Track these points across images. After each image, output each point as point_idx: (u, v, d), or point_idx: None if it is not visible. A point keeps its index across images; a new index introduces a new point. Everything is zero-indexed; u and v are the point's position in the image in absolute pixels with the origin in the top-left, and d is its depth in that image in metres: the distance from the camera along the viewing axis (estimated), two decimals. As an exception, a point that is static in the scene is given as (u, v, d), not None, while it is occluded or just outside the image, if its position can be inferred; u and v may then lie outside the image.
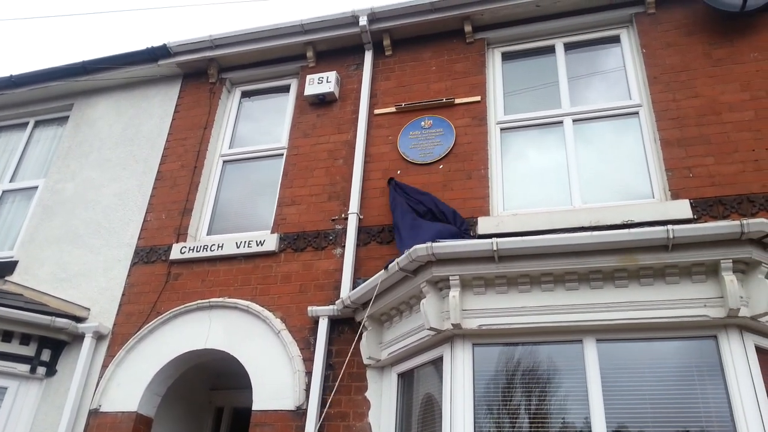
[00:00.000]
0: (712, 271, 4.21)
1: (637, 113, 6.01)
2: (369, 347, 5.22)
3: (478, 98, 6.43)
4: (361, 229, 6.04)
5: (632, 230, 4.28)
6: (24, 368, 6.10)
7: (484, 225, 5.64)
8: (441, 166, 6.15)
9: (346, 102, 6.91)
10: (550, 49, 6.71)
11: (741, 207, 5.11)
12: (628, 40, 6.44)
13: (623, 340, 4.36)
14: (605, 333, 4.37)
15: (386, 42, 7.04)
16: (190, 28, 35.90)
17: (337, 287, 5.76)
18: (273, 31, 7.27)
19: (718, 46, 5.93)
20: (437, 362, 4.77)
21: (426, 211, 5.67)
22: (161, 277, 6.44)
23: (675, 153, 5.53)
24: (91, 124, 7.98)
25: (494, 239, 4.51)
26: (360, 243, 5.97)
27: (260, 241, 6.23)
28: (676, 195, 5.34)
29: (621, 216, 5.29)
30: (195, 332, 5.96)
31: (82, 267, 6.81)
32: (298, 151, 6.78)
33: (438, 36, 6.97)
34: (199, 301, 6.09)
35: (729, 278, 4.08)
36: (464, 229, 5.56)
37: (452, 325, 4.51)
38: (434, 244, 4.58)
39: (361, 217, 6.11)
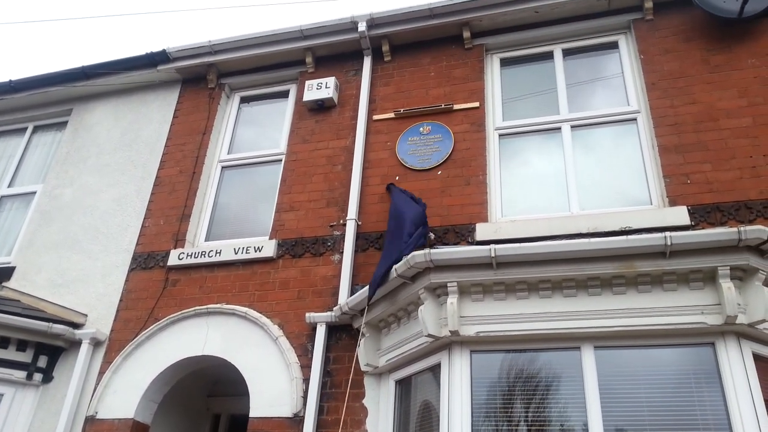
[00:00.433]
0: (709, 278, 4.20)
1: (635, 119, 6.02)
2: (367, 354, 5.21)
3: (476, 104, 6.44)
4: (359, 236, 6.04)
5: (630, 237, 4.27)
6: (20, 375, 6.08)
7: (482, 231, 5.64)
8: (439, 172, 6.15)
9: (345, 108, 6.92)
10: (549, 55, 6.72)
11: (739, 213, 5.11)
12: (626, 47, 6.45)
13: (621, 347, 4.35)
14: (603, 340, 4.36)
15: (385, 48, 7.05)
16: (190, 34, 35.97)
17: (335, 294, 5.75)
18: (272, 37, 7.29)
19: (716, 52, 5.94)
20: (435, 369, 4.76)
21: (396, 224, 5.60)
22: (159, 283, 6.43)
23: (673, 159, 5.53)
24: (90, 129, 7.98)
25: (492, 246, 4.50)
26: (358, 249, 5.97)
27: (258, 247, 6.22)
28: (673, 201, 5.34)
29: (619, 222, 5.29)
30: (192, 339, 5.94)
31: (80, 273, 6.80)
32: (297, 156, 6.78)
33: (437, 42, 6.99)
34: (197, 308, 6.08)
35: (726, 285, 4.07)
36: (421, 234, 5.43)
37: (450, 332, 4.50)
38: (432, 251, 4.58)
39: (360, 223, 6.10)
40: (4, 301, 6.42)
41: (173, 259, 6.46)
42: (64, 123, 8.29)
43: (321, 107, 6.96)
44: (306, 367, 5.46)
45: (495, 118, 6.46)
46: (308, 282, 5.95)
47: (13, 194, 8.03)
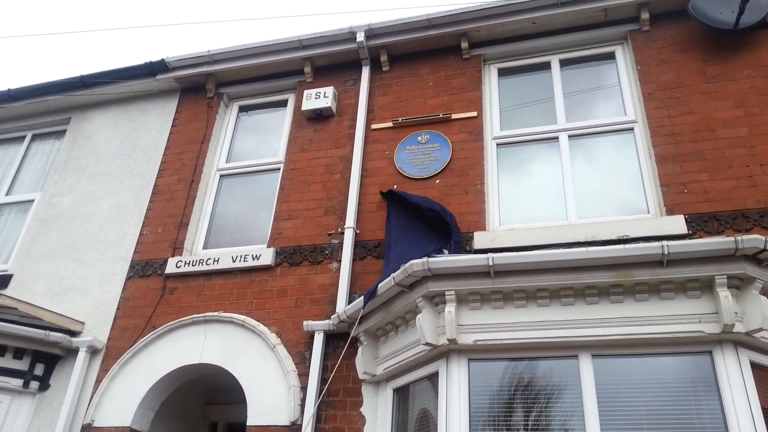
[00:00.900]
0: (706, 286, 4.21)
1: (632, 129, 6.05)
2: (364, 362, 5.20)
3: (474, 113, 6.47)
4: (357, 244, 6.05)
5: (627, 246, 4.29)
6: (17, 383, 6.06)
7: (480, 240, 5.65)
8: (437, 181, 6.17)
9: (344, 117, 6.95)
10: (546, 66, 6.76)
11: (736, 222, 5.14)
12: (623, 57, 6.49)
13: (619, 356, 4.35)
14: (601, 348, 4.36)
15: (383, 58, 7.09)
16: (189, 44, 36.10)
17: (333, 302, 5.75)
18: (271, 47, 7.32)
19: (712, 62, 5.99)
20: (433, 377, 4.76)
21: (423, 216, 5.69)
22: (156, 291, 6.43)
23: (670, 169, 5.56)
24: (89, 137, 7.99)
25: (490, 254, 4.51)
26: (356, 257, 5.97)
27: (256, 256, 6.23)
28: (671, 210, 5.37)
29: (617, 231, 5.31)
30: (190, 347, 5.93)
31: (78, 281, 6.79)
32: (295, 165, 6.80)
33: (435, 52, 7.03)
34: (195, 316, 6.07)
35: (724, 294, 4.08)
36: (456, 240, 5.54)
37: (448, 340, 4.50)
38: (430, 259, 4.59)
39: (358, 231, 6.11)
40: (1, 309, 6.40)
41: (171, 267, 6.46)
42: (63, 131, 8.31)
43: (319, 116, 6.99)
44: (304, 376, 5.45)
45: (493, 127, 6.49)
46: (306, 290, 5.95)
47: (11, 202, 8.03)
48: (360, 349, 5.25)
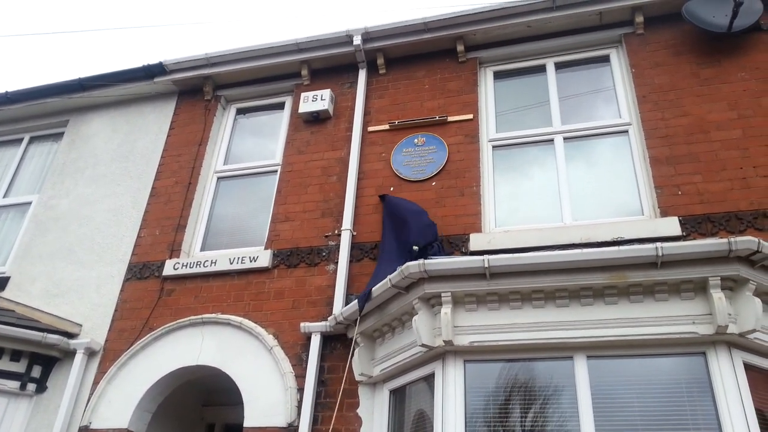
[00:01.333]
0: (700, 288, 4.24)
1: (626, 131, 6.09)
2: (361, 364, 5.23)
3: (470, 116, 6.50)
4: (354, 246, 6.07)
5: (621, 248, 4.31)
6: (14, 385, 6.07)
7: (475, 241, 5.68)
8: (434, 183, 6.20)
9: (340, 119, 6.97)
10: (542, 69, 6.80)
11: (729, 224, 5.17)
12: (618, 60, 6.54)
13: (613, 357, 4.37)
14: (595, 349, 4.39)
15: (380, 61, 7.12)
16: (186, 47, 36.11)
17: (330, 303, 5.77)
18: (268, 50, 7.35)
19: (706, 66, 6.03)
20: (429, 379, 4.78)
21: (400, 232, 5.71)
22: (154, 293, 6.44)
23: (664, 171, 5.60)
24: (86, 140, 8.01)
25: (485, 256, 4.54)
26: (353, 259, 6.00)
27: (253, 258, 6.25)
28: (665, 212, 5.40)
29: (611, 233, 5.34)
30: (187, 348, 5.95)
31: (75, 283, 6.80)
32: (292, 167, 6.82)
33: (431, 55, 7.06)
34: (192, 317, 6.09)
35: (717, 295, 4.11)
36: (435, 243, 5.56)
37: (444, 341, 4.52)
38: (426, 261, 4.62)
39: (355, 233, 6.14)
40: (-2, 311, 6.42)
41: (168, 269, 6.48)
42: (61, 134, 8.32)
43: (316, 119, 7.02)
44: (300, 377, 5.47)
45: (489, 130, 6.53)
46: (303, 292, 5.97)
47: (8, 204, 8.03)
48: (356, 351, 5.28)
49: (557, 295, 4.49)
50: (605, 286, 4.38)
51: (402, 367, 4.97)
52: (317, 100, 6.97)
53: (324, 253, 6.12)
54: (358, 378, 5.25)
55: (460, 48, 6.87)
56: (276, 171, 7.01)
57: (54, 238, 7.24)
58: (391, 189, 6.28)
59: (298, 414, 5.29)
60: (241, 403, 5.54)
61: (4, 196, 8.11)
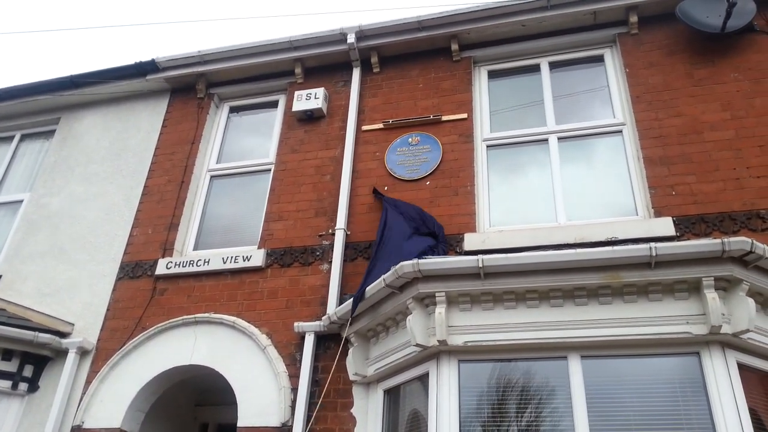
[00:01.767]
0: (694, 288, 4.25)
1: (620, 131, 6.10)
2: (355, 363, 5.22)
3: (464, 115, 6.50)
4: (348, 245, 6.06)
5: (615, 248, 4.32)
6: (5, 384, 6.02)
7: (470, 241, 5.68)
8: (428, 183, 6.19)
9: (334, 118, 6.96)
10: (536, 68, 6.80)
11: (723, 225, 5.19)
12: (612, 60, 6.55)
13: (607, 357, 4.38)
14: (590, 349, 4.39)
15: (374, 59, 7.10)
16: (179, 44, 35.96)
17: (324, 303, 5.76)
18: (262, 48, 7.32)
19: (700, 66, 6.05)
20: (423, 378, 4.78)
21: (414, 228, 5.73)
22: (147, 293, 6.41)
23: (658, 171, 5.61)
24: (78, 138, 7.95)
25: (480, 256, 4.54)
26: (347, 259, 5.99)
27: (247, 257, 6.22)
28: (659, 212, 5.42)
29: (605, 233, 5.35)
30: (180, 348, 5.92)
31: (67, 282, 6.76)
32: (286, 166, 6.80)
33: (425, 54, 7.05)
34: (185, 317, 6.07)
35: (711, 296, 4.12)
36: (442, 242, 5.58)
37: (438, 341, 4.52)
38: (420, 261, 4.61)
39: (348, 232, 6.12)
40: (-11, 311, 6.38)
41: (161, 269, 6.45)
42: (52, 132, 8.26)
43: (310, 117, 7.00)
44: (294, 377, 5.46)
45: (483, 129, 6.52)
46: (297, 291, 5.96)
47: (-1, 203, 7.97)
48: (350, 351, 5.27)
49: (551, 294, 4.50)
50: (599, 286, 4.38)
51: (396, 366, 4.96)
52: (311, 98, 6.95)
53: (318, 253, 6.11)
54: (352, 378, 5.24)
55: (454, 47, 6.86)
56: (269, 170, 6.99)
57: (46, 237, 7.19)
58: (385, 188, 6.27)
59: (292, 414, 5.27)
60: (235, 402, 5.52)
61: (-5, 195, 8.04)
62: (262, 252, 6.22)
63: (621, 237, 5.24)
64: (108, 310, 6.44)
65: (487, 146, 6.43)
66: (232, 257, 6.27)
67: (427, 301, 4.73)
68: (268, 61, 7.36)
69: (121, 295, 6.49)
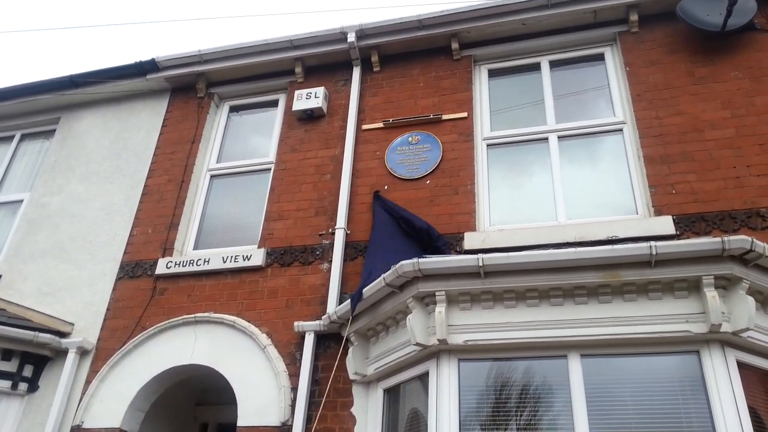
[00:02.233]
0: (694, 287, 4.24)
1: (621, 130, 6.09)
2: (355, 363, 5.21)
3: (465, 114, 6.49)
4: (348, 244, 6.05)
5: (615, 247, 4.31)
6: (5, 384, 6.02)
7: (470, 240, 5.67)
8: (428, 182, 6.19)
9: (334, 117, 6.95)
10: (536, 67, 6.79)
11: (723, 223, 5.18)
12: (612, 58, 6.54)
13: (607, 356, 4.37)
14: (589, 348, 4.39)
15: (374, 58, 7.09)
16: (179, 43, 35.96)
17: (324, 302, 5.75)
18: (262, 47, 7.32)
19: (700, 64, 6.04)
20: (423, 377, 4.77)
21: (404, 231, 5.74)
22: (147, 292, 6.41)
23: (658, 170, 5.61)
24: (78, 137, 7.95)
25: (480, 255, 4.54)
26: (347, 258, 5.98)
27: (247, 256, 6.22)
28: (659, 211, 5.41)
29: (605, 231, 5.34)
30: (180, 347, 5.92)
31: (67, 282, 6.75)
32: (286, 166, 6.79)
33: (426, 52, 7.04)
34: (185, 316, 6.06)
35: (711, 294, 4.12)
36: (442, 243, 5.58)
37: (438, 340, 4.52)
38: (420, 260, 4.60)
39: (349, 232, 6.12)
40: (-11, 310, 6.37)
41: (161, 268, 6.45)
42: (52, 131, 8.26)
43: (310, 117, 6.99)
44: (294, 376, 5.45)
45: (483, 128, 6.52)
46: (297, 291, 5.95)
47: (-1, 202, 7.97)
48: (350, 350, 5.27)
49: (551, 293, 4.49)
50: (599, 284, 4.38)
51: (396, 365, 4.96)
52: (311, 97, 6.94)
53: (318, 252, 6.10)
54: (352, 377, 5.24)
55: (454, 45, 6.86)
56: (269, 169, 6.98)
57: (46, 237, 7.19)
58: (385, 187, 6.26)
59: (292, 413, 5.27)
60: (235, 402, 5.52)
61: (-5, 194, 8.04)
62: (262, 251, 6.22)
63: (621, 236, 5.24)
64: (108, 309, 6.44)
65: (488, 145, 6.43)
66: (232, 257, 6.27)
67: (427, 300, 4.73)
68: (269, 61, 7.35)
69: (121, 295, 6.49)
